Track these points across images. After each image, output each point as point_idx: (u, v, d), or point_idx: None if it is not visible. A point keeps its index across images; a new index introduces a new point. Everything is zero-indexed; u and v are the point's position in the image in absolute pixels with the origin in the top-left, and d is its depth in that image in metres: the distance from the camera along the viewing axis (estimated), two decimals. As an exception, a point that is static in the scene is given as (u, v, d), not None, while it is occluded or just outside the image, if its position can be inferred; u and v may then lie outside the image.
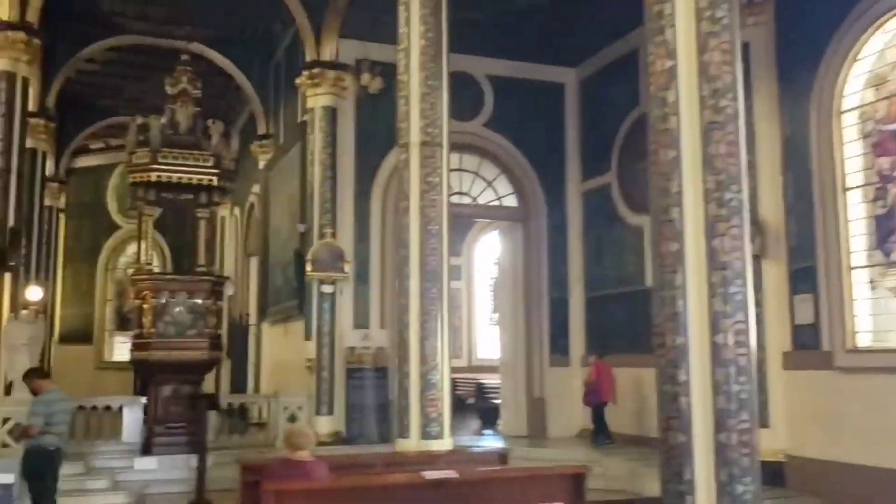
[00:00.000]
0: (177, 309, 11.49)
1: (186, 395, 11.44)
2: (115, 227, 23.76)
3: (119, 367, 22.14)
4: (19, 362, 10.93)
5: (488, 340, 21.56)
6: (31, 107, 14.40)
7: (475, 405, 16.94)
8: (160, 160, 11.48)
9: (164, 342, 11.33)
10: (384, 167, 13.55)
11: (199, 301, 11.63)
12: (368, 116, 13.56)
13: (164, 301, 11.41)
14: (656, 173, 5.13)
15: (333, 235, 13.03)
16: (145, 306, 11.43)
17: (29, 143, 14.82)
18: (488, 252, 21.37)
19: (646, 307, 13.04)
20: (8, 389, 11.31)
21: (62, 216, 22.86)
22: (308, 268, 12.86)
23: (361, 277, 13.39)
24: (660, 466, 5.47)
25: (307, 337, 13.16)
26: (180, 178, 11.62)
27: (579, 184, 14.80)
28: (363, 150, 13.57)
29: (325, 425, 12.66)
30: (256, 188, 18.30)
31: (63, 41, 16.19)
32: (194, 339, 11.49)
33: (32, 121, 14.90)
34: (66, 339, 22.82)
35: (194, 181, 11.75)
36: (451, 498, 6.24)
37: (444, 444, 8.59)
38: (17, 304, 11.73)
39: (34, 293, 12.40)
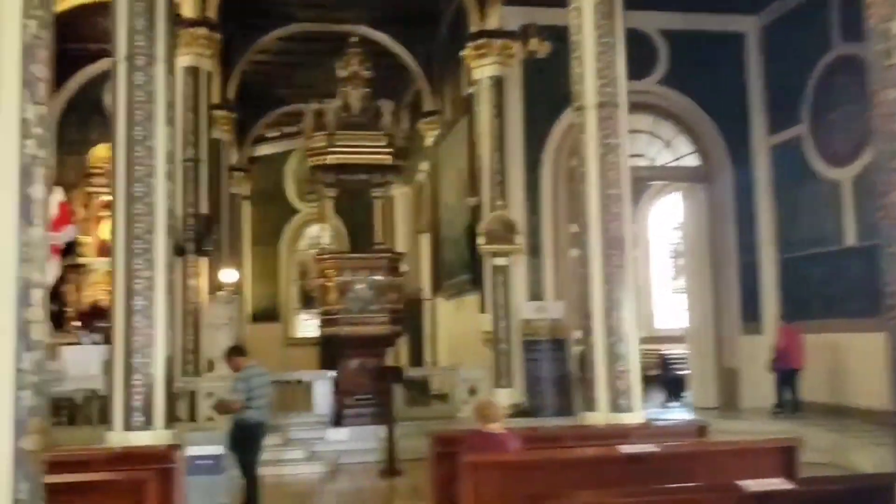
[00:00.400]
0: (359, 285, 11.81)
1: (372, 369, 11.76)
2: (294, 210, 24.90)
3: (305, 342, 23.26)
4: (219, 340, 11.65)
5: (668, 309, 20.81)
6: (214, 99, 15.25)
7: (658, 377, 16.37)
8: (336, 143, 11.80)
9: (350, 317, 11.69)
10: (553, 135, 13.25)
11: (380, 277, 11.90)
12: (536, 84, 13.29)
13: (347, 278, 11.76)
14: (880, 115, 4.55)
15: (504, 207, 12.91)
16: (329, 284, 11.83)
17: (214, 135, 15.72)
18: (664, 217, 20.54)
19: (844, 268, 12.21)
20: (210, 367, 12.12)
21: (247, 203, 24.19)
22: (480, 241, 12.83)
23: (534, 249, 13.21)
24: None
25: (482, 310, 13.16)
26: (356, 159, 11.90)
27: (766, 138, 13.82)
28: (531, 119, 13.32)
29: (505, 397, 12.63)
30: (425, 166, 18.51)
31: (238, 34, 17.00)
32: (377, 314, 11.78)
33: (216, 113, 15.75)
34: (256, 318, 24.25)
35: (369, 161, 12.00)
36: (649, 473, 5.96)
37: (634, 417, 8.28)
38: (213, 286, 12.53)
39: (229, 275, 13.21)
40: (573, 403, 12.63)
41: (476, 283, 13.46)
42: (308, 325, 24.26)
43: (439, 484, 6.90)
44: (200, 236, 11.89)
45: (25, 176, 3.20)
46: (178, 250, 11.87)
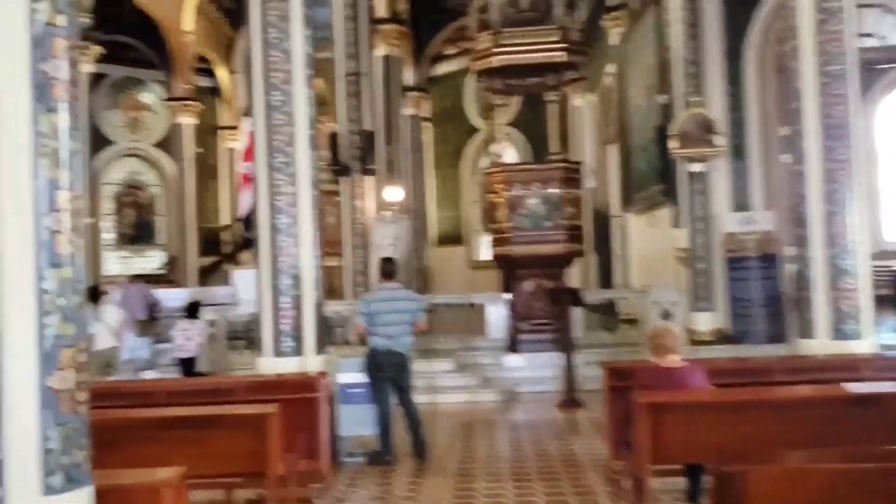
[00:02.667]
0: (532, 200, 10.76)
1: (549, 291, 10.77)
2: (475, 130, 23.99)
3: (489, 265, 22.59)
4: (387, 262, 11.06)
5: (897, 221, 17.96)
6: (381, 13, 14.50)
7: (891, 298, 14.07)
8: (502, 42, 10.65)
9: (522, 236, 10.72)
10: (758, 15, 11.26)
11: (554, 190, 10.77)
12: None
13: (517, 193, 10.74)
14: None
15: (700, 104, 11.22)
16: (499, 200, 10.88)
17: (383, 51, 15.02)
18: None
19: None
20: (380, 289, 11.62)
21: (428, 125, 23.59)
22: (673, 145, 11.26)
23: (738, 151, 11.45)
24: None
25: (676, 224, 11.66)
26: (526, 59, 10.71)
27: None
28: (730, 1, 11.40)
29: (705, 322, 11.24)
30: (610, 68, 16.83)
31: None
32: (552, 232, 10.72)
33: (384, 27, 15.01)
34: (440, 241, 23.91)
35: (541, 61, 10.75)
36: (883, 421, 4.58)
37: (863, 345, 6.73)
38: (379, 205, 11.96)
39: (394, 194, 12.62)
40: (786, 329, 10.99)
41: (669, 193, 11.94)
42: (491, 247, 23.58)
43: (616, 423, 5.87)
44: (364, 154, 11.29)
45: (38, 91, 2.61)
46: (343, 169, 11.38)
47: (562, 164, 10.91)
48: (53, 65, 2.73)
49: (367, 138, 11.42)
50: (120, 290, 10.91)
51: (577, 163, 11.75)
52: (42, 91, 2.71)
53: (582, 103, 21.27)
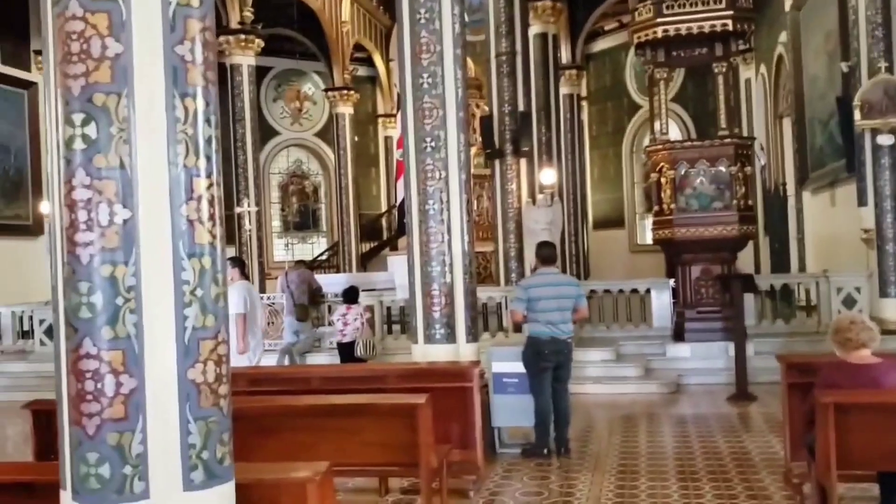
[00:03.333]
0: (698, 180, 10.10)
1: (718, 277, 10.09)
2: (636, 107, 23.06)
3: (651, 249, 21.73)
4: (543, 247, 10.75)
5: None
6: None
7: None
8: (665, 12, 10.03)
9: (687, 218, 10.10)
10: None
11: (723, 169, 10.07)
12: None
13: (682, 172, 10.11)
14: None
15: (889, 70, 10.10)
16: (663, 180, 10.29)
17: (538, 29, 14.64)
18: None
19: None
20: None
21: (584, 103, 22.98)
22: (857, 116, 10.20)
23: (933, 120, 10.22)
24: None
25: (861, 202, 10.59)
26: (689, 28, 10.04)
27: None
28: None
29: (893, 309, 10.14)
30: (783, 37, 15.60)
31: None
32: (721, 213, 10.03)
33: (539, 4, 14.61)
34: (599, 224, 23.27)
35: (706, 29, 10.05)
36: None
37: None
38: (533, 188, 11.64)
39: (547, 176, 12.22)
40: None
41: (853, 169, 10.87)
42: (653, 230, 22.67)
43: (795, 422, 5.31)
44: (517, 136, 10.99)
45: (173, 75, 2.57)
46: (496, 152, 11.14)
47: (732, 141, 10.16)
48: (188, 48, 2.64)
49: (522, 120, 11.10)
50: (283, 276, 11.26)
51: (750, 139, 10.94)
52: (176, 75, 2.63)
53: (751, 76, 19.99)
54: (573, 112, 20.65)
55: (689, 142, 10.38)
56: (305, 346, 10.71)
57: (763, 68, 18.39)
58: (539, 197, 10.66)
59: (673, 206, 10.13)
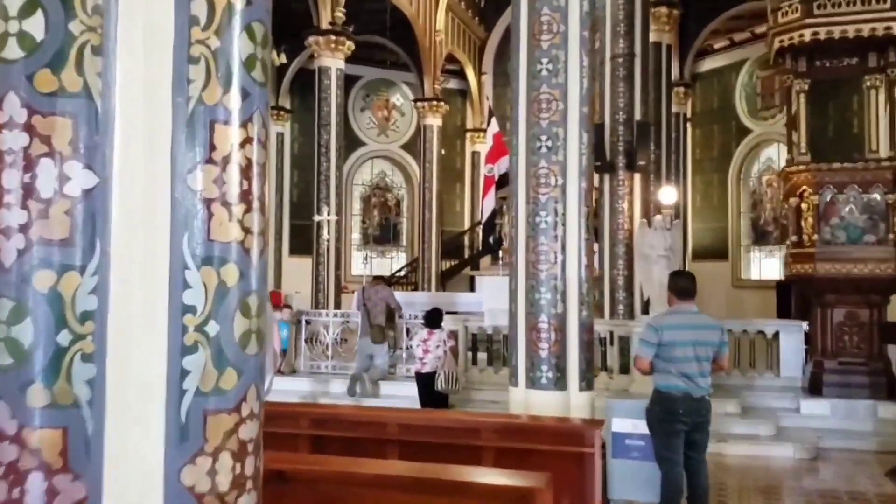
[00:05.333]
0: (847, 208, 8.58)
1: (866, 323, 8.54)
2: (745, 131, 21.36)
3: (758, 285, 20.02)
4: (656, 275, 9.38)
5: None
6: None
7: None
8: (815, 12, 8.59)
9: (832, 252, 8.58)
10: None
11: (878, 196, 8.52)
12: None
13: (828, 198, 8.61)
14: None
15: None
16: (804, 206, 8.80)
17: (653, 37, 13.29)
18: None
19: None
20: (646, 308, 9.92)
21: (689, 125, 21.45)
22: None
23: None
24: None
25: None
26: (845, 31, 8.56)
27: None
28: None
29: None
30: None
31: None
32: (873, 248, 8.47)
33: (656, 10, 13.28)
34: (699, 254, 21.58)
35: (865, 33, 8.55)
36: None
37: None
38: (649, 208, 10.25)
39: (668, 195, 10.80)
40: None
41: None
42: (762, 265, 20.89)
43: None
44: (633, 148, 9.65)
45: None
46: (606, 165, 9.84)
47: (892, 164, 8.60)
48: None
49: (639, 130, 9.77)
50: (360, 292, 10.16)
51: (912, 162, 9.30)
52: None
53: (878, 98, 18.12)
54: (678, 132, 19.13)
55: (839, 163, 8.91)
56: (380, 372, 9.57)
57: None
58: (656, 218, 9.29)
59: (815, 237, 8.62)
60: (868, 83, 9.62)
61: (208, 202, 1.49)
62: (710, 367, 5.11)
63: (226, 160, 1.51)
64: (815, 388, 8.77)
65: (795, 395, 8.86)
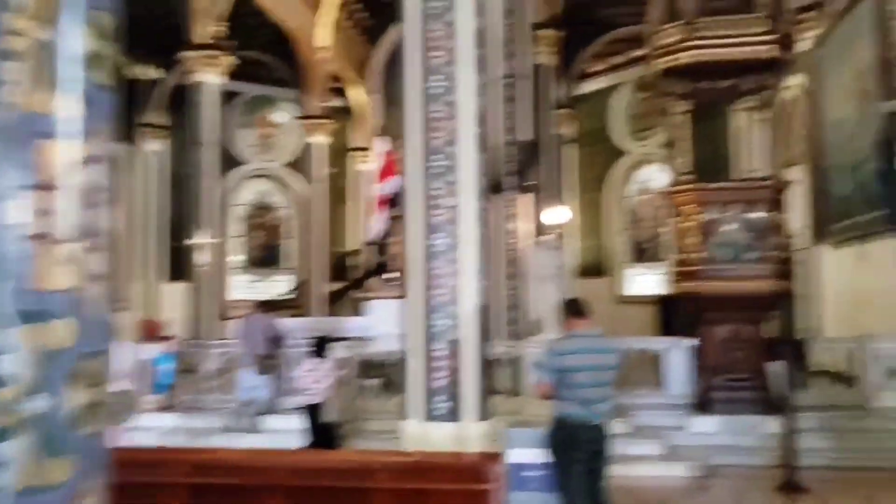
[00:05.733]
0: (730, 226, 8.76)
1: (749, 340, 8.72)
2: (621, 152, 22.01)
3: (638, 301, 20.53)
4: (546, 295, 9.31)
5: None
6: (537, 17, 12.91)
7: None
8: (696, 34, 8.77)
9: (716, 270, 8.73)
10: None
11: (758, 215, 8.74)
12: None
13: (713, 217, 8.77)
14: None
15: (945, 111, 8.94)
16: (688, 225, 8.93)
17: (537, 59, 13.40)
18: None
19: None
20: (536, 329, 9.85)
21: (571, 146, 21.89)
22: (908, 161, 9.01)
23: None
24: None
25: (911, 259, 9.34)
26: (722, 54, 8.78)
27: None
28: None
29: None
30: (795, 79, 14.51)
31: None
32: (754, 265, 8.68)
33: (540, 32, 13.40)
34: (582, 272, 21.96)
35: (742, 57, 8.80)
36: None
37: None
38: (538, 228, 10.21)
39: (555, 216, 10.82)
40: None
41: (894, 221, 9.65)
42: (641, 281, 21.46)
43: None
44: (522, 168, 9.59)
45: None
46: (495, 185, 9.72)
47: (772, 182, 8.85)
48: None
49: (528, 150, 9.72)
50: (242, 320, 9.62)
51: (787, 182, 9.63)
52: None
53: (748, 121, 19.01)
54: (559, 153, 19.43)
55: (726, 183, 9.11)
56: (264, 405, 9.05)
57: (764, 113, 17.34)
58: (546, 238, 9.26)
59: (701, 255, 8.76)
60: (745, 105, 9.90)
61: (32, 240, 1.13)
62: (611, 392, 5.00)
63: (56, 185, 1.16)
64: (703, 405, 8.88)
65: (684, 413, 8.93)
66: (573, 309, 5.13)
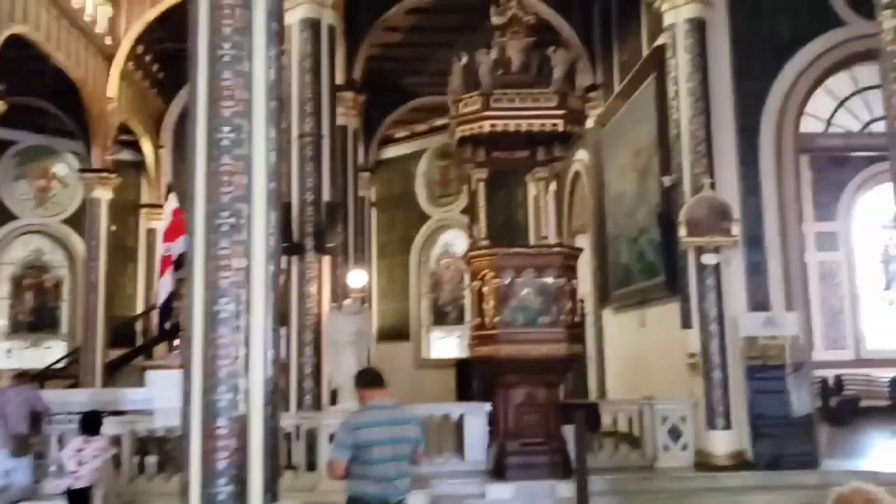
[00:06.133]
0: (524, 290, 8.93)
1: (544, 404, 8.85)
2: (425, 216, 22.36)
3: (438, 364, 20.65)
4: (345, 362, 8.99)
5: (881, 326, 16.94)
6: (338, 79, 12.83)
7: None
8: (494, 105, 9.01)
9: (512, 334, 8.83)
10: (775, 90, 10.03)
11: (550, 280, 8.98)
12: (748, 26, 10.12)
13: (508, 281, 8.90)
14: None
15: (713, 186, 9.74)
16: (486, 289, 9.01)
17: (339, 120, 13.29)
18: (879, 210, 16.69)
19: None
20: (334, 397, 9.47)
21: (374, 209, 21.98)
22: (682, 232, 9.67)
23: (753, 241, 9.96)
24: None
25: (685, 324, 9.95)
26: (519, 125, 9.07)
27: None
28: (743, 72, 10.14)
29: (722, 443, 9.44)
30: (581, 155, 15.46)
31: (365, 11, 14.65)
32: (548, 330, 8.86)
33: (342, 94, 13.34)
34: (384, 335, 21.80)
35: (536, 128, 9.13)
36: None
37: None
38: (338, 292, 9.90)
39: (357, 279, 10.59)
40: (819, 451, 9.32)
41: (673, 288, 10.29)
42: (442, 344, 21.68)
43: None
44: (322, 229, 9.31)
45: None
46: (294, 247, 9.37)
47: (562, 250, 9.16)
48: None
49: (329, 211, 9.45)
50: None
51: (578, 249, 10.01)
52: None
53: (539, 193, 19.98)
54: (362, 216, 19.37)
55: (517, 248, 9.34)
56: (20, 492, 7.93)
57: (552, 187, 18.28)
58: (346, 303, 8.97)
59: (497, 319, 8.84)
60: (538, 175, 10.26)
61: None
62: (409, 467, 4.76)
63: None
64: (499, 471, 8.85)
65: (481, 480, 8.85)
66: (367, 380, 4.94)
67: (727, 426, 9.46)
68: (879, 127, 10.32)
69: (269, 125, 5.15)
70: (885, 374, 15.06)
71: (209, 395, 4.78)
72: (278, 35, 5.35)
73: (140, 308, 20.19)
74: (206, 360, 4.82)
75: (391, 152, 22.99)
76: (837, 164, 16.76)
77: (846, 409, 14.19)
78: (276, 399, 4.98)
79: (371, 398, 4.84)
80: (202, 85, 5.10)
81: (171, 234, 15.54)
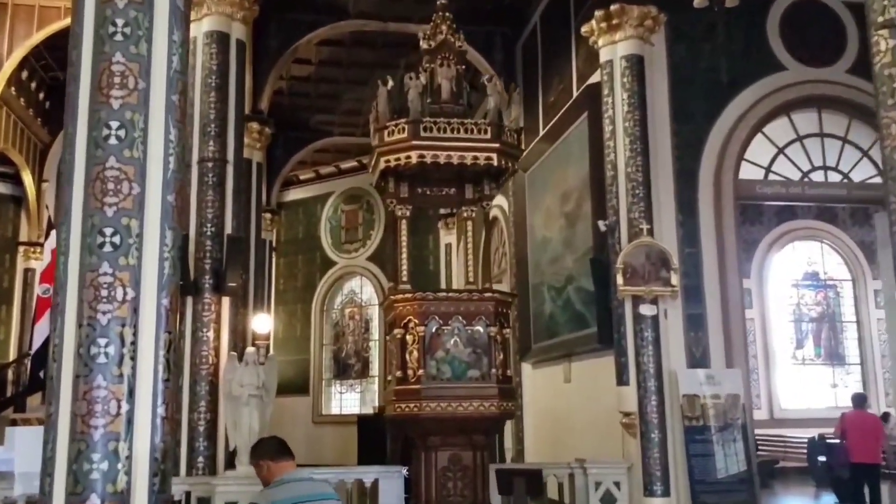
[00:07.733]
0: (452, 340, 8.01)
1: (470, 466, 7.89)
2: (330, 263, 21.24)
3: (339, 420, 19.44)
4: (245, 420, 7.80)
5: (794, 386, 16.88)
6: (245, 108, 11.80)
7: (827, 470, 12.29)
8: (423, 134, 8.19)
9: (437, 389, 7.86)
10: (714, 133, 9.65)
11: (481, 329, 8.10)
12: (687, 66, 9.76)
13: (434, 330, 7.98)
14: None
15: (651, 233, 9.18)
16: (409, 338, 8.05)
17: (245, 152, 12.20)
18: (790, 268, 16.73)
19: None
20: (231, 459, 8.22)
21: (275, 253, 20.70)
22: (619, 280, 9.03)
23: (692, 292, 9.42)
24: None
25: (621, 381, 9.24)
26: (449, 157, 8.27)
27: None
28: (682, 113, 9.74)
29: (661, 510, 8.70)
30: (500, 201, 14.83)
31: (274, 37, 13.72)
32: (478, 385, 7.94)
33: (247, 123, 12.29)
34: (281, 389, 20.31)
35: (468, 161, 8.33)
36: None
37: None
38: (237, 339, 8.70)
39: (261, 324, 9.39)
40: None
41: (606, 341, 9.60)
42: (343, 399, 20.46)
43: None
44: (223, 267, 8.17)
45: None
46: (190, 286, 8.18)
47: (493, 296, 8.29)
48: None
49: (231, 247, 8.32)
50: None
51: (512, 295, 9.21)
52: None
53: (451, 242, 19.30)
54: (265, 260, 18.11)
55: (444, 293, 8.50)
56: None
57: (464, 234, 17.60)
58: (248, 351, 7.83)
59: (420, 372, 7.87)
60: (465, 213, 9.44)
61: None
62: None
63: None
64: (419, 543, 7.80)
65: (402, 556, 7.78)
66: (275, 450, 4.06)
67: (665, 492, 8.74)
68: (818, 176, 10.11)
69: (170, 123, 4.13)
70: (800, 434, 14.86)
71: (79, 464, 3.63)
72: (185, 17, 4.36)
73: (13, 355, 18.21)
74: (75, 419, 3.68)
75: (295, 194, 21.94)
76: (749, 222, 16.79)
77: (763, 472, 13.83)
78: (167, 468, 3.87)
79: (283, 471, 3.92)
80: (85, 67, 4.05)
81: (50, 275, 13.98)
